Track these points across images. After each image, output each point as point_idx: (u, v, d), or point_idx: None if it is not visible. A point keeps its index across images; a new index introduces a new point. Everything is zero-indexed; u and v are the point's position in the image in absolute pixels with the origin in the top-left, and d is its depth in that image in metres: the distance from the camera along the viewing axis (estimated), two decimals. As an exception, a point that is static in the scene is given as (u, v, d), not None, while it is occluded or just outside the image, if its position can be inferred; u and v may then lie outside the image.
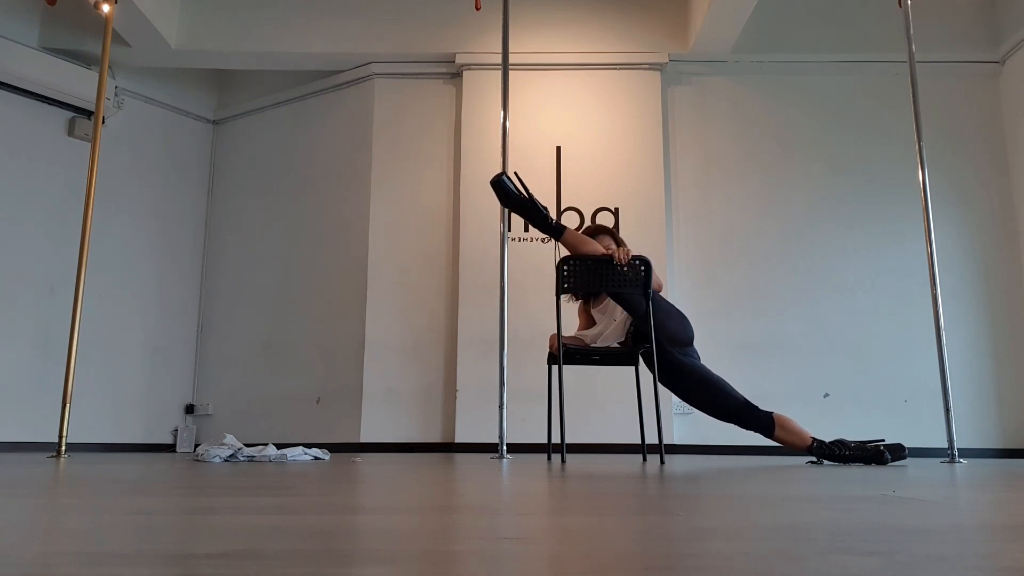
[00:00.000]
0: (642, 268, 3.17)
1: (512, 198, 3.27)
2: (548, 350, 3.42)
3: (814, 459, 3.17)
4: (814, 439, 3.15)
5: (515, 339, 3.96)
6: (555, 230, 3.24)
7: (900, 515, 1.18)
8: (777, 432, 3.18)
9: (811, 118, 5.30)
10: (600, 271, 3.16)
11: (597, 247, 3.20)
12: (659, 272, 3.90)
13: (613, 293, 3.25)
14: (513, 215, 5.01)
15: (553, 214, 3.29)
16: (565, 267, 3.17)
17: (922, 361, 4.48)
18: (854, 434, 3.27)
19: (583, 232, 3.41)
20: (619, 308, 3.34)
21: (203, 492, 1.63)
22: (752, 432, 3.25)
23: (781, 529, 0.99)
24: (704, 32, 5.00)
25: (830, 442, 3.14)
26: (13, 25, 5.11)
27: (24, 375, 4.95)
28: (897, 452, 3.13)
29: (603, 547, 0.85)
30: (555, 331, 3.23)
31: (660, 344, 3.18)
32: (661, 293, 3.38)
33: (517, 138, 4.85)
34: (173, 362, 5.72)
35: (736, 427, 3.29)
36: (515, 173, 3.30)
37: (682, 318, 3.34)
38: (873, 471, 2.60)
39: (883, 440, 3.19)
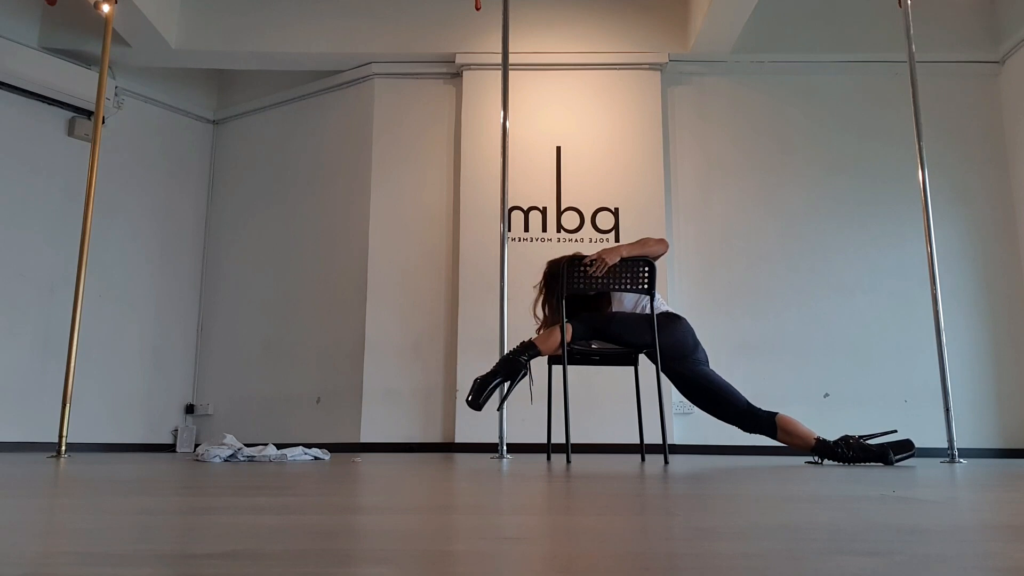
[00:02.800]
0: (645, 269, 3.17)
1: (494, 384, 3.10)
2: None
3: (815, 459, 3.16)
4: (818, 438, 3.13)
5: (515, 339, 3.94)
6: (528, 350, 3.12)
7: (900, 515, 1.18)
8: (780, 435, 3.17)
9: (811, 118, 5.30)
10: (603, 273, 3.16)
11: (556, 332, 3.13)
12: (660, 273, 3.88)
13: (611, 333, 3.20)
14: (513, 216, 5.03)
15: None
16: (570, 267, 3.16)
17: (922, 361, 4.48)
18: (854, 432, 3.25)
19: (553, 263, 3.36)
20: (630, 306, 3.31)
21: (203, 492, 1.63)
22: (756, 435, 3.24)
23: (781, 529, 0.99)
24: (704, 32, 5.00)
25: (834, 441, 3.11)
26: (13, 25, 5.11)
27: (24, 375, 4.95)
28: (903, 448, 3.08)
29: (603, 547, 0.85)
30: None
31: (661, 361, 3.18)
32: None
33: (517, 138, 4.85)
34: (173, 362, 5.72)
35: (734, 428, 3.28)
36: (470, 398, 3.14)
37: (677, 331, 3.23)
38: (875, 471, 2.60)
39: (895, 431, 3.15)
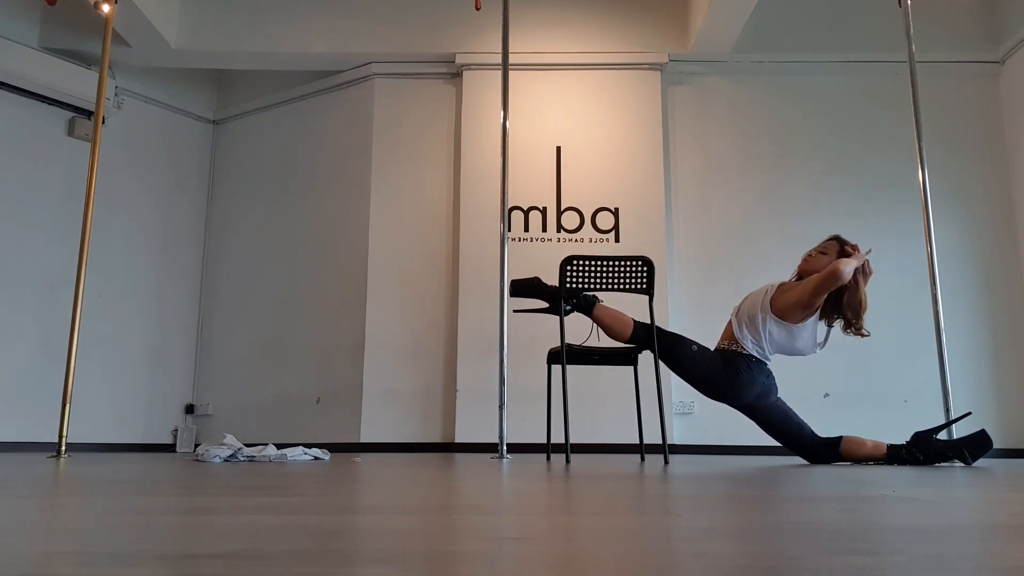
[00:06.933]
0: (644, 268, 3.17)
1: (535, 298, 3.24)
2: (548, 350, 3.40)
3: (884, 462, 3.11)
4: (889, 448, 3.10)
5: (515, 339, 3.95)
6: (581, 304, 3.20)
7: (900, 515, 1.18)
8: (847, 459, 3.15)
9: (811, 118, 5.30)
10: (602, 270, 3.17)
11: (619, 318, 3.19)
12: (660, 274, 3.88)
13: (671, 356, 3.20)
14: (513, 216, 5.03)
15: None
16: (568, 266, 3.17)
17: (922, 361, 4.48)
18: (854, 432, 3.25)
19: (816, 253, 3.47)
20: (741, 314, 3.35)
21: (203, 492, 1.63)
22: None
23: (781, 529, 0.99)
24: (704, 32, 5.00)
25: (906, 444, 3.07)
26: (13, 25, 5.11)
27: (24, 375, 4.95)
28: (981, 446, 3.00)
29: (603, 547, 0.85)
30: (559, 330, 3.19)
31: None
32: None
33: (517, 138, 4.85)
34: (173, 362, 5.72)
35: (734, 427, 3.28)
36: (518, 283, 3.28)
37: (734, 385, 3.21)
38: (880, 470, 2.60)
39: (969, 413, 3.16)
